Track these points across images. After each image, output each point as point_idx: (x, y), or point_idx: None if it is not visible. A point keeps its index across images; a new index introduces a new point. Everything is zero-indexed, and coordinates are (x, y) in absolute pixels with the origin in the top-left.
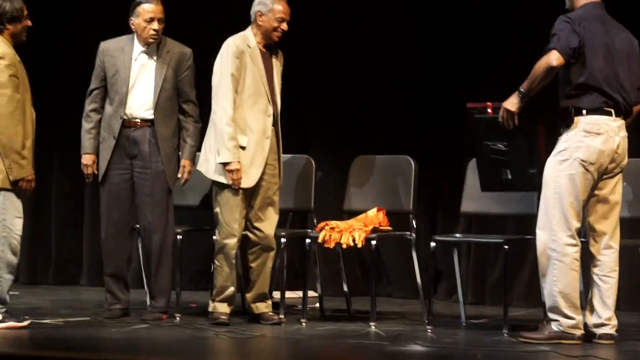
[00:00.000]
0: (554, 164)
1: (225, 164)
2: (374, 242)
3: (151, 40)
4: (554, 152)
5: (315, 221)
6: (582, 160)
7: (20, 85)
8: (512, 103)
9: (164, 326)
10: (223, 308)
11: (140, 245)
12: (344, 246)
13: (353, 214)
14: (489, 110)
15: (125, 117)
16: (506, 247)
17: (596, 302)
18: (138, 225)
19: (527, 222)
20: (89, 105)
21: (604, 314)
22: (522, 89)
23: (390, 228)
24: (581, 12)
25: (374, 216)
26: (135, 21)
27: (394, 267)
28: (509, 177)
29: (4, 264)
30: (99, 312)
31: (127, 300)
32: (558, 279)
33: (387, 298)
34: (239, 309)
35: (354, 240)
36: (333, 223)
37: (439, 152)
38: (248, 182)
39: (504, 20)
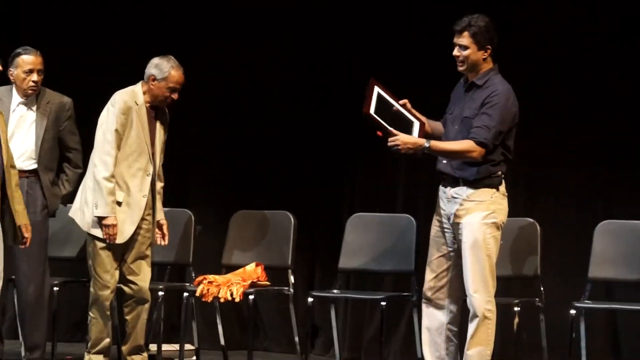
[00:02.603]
0: (483, 226)
1: (101, 218)
2: (251, 297)
3: (30, 91)
4: (480, 214)
5: (193, 275)
6: (502, 223)
7: None
8: (409, 149)
9: None
10: None
11: (15, 296)
12: (222, 300)
13: (231, 268)
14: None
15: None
16: (383, 303)
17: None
18: (14, 276)
19: (405, 279)
20: None
21: None
22: (429, 148)
23: (268, 283)
24: (506, 84)
25: (252, 271)
26: (15, 72)
27: (272, 322)
28: None
29: None
30: None
31: (1, 351)
32: (491, 340)
33: (265, 352)
34: None
35: (231, 294)
36: (211, 277)
37: (318, 208)
38: (122, 237)
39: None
